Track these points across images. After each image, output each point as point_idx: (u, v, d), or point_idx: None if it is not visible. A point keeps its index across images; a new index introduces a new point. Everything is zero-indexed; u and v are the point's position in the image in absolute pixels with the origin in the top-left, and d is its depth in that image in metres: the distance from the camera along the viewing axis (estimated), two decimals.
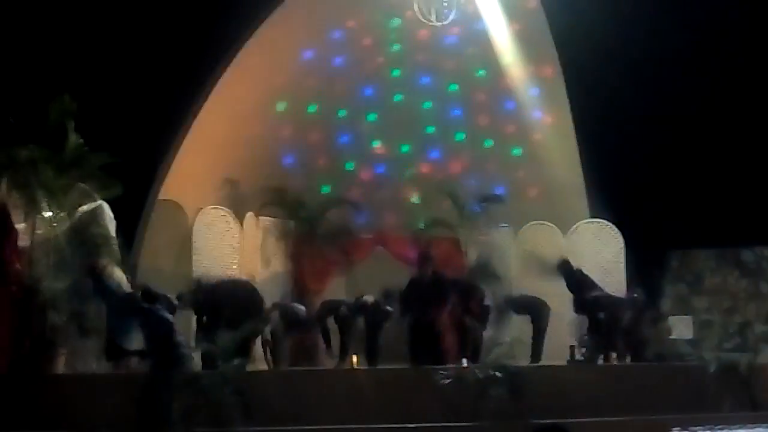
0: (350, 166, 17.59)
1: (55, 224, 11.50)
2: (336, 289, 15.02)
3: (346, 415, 10.25)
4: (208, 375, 10.01)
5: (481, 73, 17.74)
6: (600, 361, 12.97)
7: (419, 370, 12.40)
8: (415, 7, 16.49)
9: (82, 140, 11.58)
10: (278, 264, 15.22)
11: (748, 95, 17.30)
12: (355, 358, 12.84)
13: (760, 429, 8.53)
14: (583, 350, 13.09)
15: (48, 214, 11.47)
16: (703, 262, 17.59)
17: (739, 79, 17.45)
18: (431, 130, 17.78)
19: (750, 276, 17.53)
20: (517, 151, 17.60)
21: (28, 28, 14.87)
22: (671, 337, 14.04)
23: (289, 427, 9.68)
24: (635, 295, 13.98)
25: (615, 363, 13.07)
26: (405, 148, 17.65)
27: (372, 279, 14.23)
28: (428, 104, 17.73)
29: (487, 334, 13.50)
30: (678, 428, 8.66)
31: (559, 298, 14.16)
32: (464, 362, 12.37)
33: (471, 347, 12.97)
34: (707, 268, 17.59)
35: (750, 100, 17.25)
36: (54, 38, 15.40)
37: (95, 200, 11.91)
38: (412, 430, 10.00)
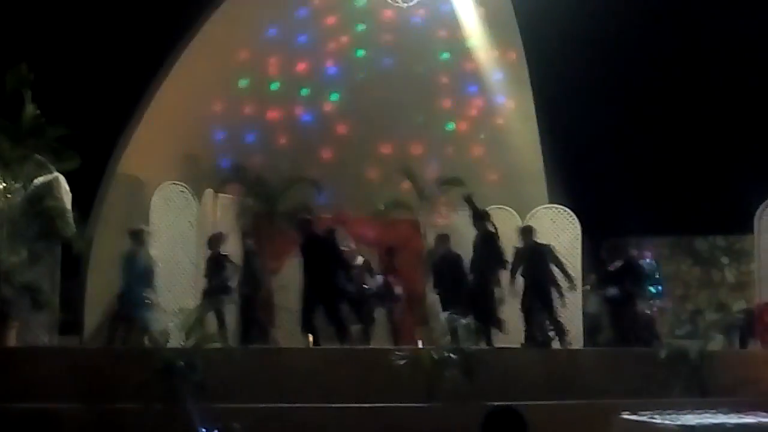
0: (311, 145, 17.51)
1: (9, 195, 11.31)
2: (293, 268, 15.00)
3: (302, 393, 10.26)
4: (162, 350, 9.97)
5: (445, 55, 17.75)
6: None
7: (375, 350, 12.48)
8: None
9: (38, 111, 11.38)
10: (236, 242, 15.14)
11: (706, 85, 17.54)
12: (311, 337, 12.87)
13: (708, 414, 8.67)
14: (539, 334, 13.18)
15: (2, 185, 11.29)
16: (657, 249, 17.84)
17: (698, 69, 17.68)
18: (393, 111, 17.75)
19: (702, 264, 17.82)
20: (478, 135, 17.63)
21: None
22: None
23: (244, 405, 9.67)
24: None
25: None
26: (366, 129, 17.62)
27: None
28: (391, 86, 17.68)
29: None
30: (627, 412, 8.76)
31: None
32: (419, 343, 12.44)
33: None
34: (661, 256, 17.84)
35: (708, 90, 17.49)
36: (11, 6, 15.14)
37: (51, 172, 11.74)
38: (367, 410, 10.04)
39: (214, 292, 13.31)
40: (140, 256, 12.41)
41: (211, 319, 13.08)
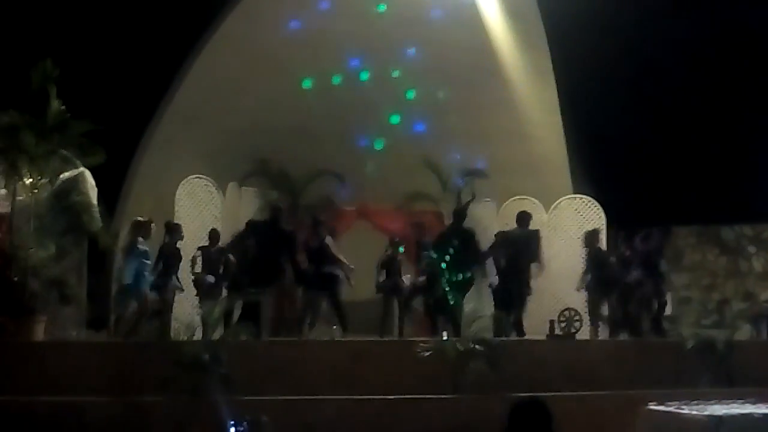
0: (334, 137, 17.50)
1: (35, 191, 11.40)
2: None
3: (328, 386, 10.28)
4: (187, 343, 10.02)
5: (468, 47, 17.66)
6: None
7: (400, 342, 12.48)
8: None
9: (64, 106, 11.46)
10: None
11: (732, 73, 17.38)
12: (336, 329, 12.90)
13: (736, 404, 8.62)
14: (563, 324, 13.14)
15: (29, 180, 11.38)
16: (684, 239, 17.73)
17: (723, 57, 17.51)
18: (416, 102, 17.72)
19: (729, 254, 17.69)
20: (501, 125, 17.56)
21: None
22: None
23: (270, 397, 9.71)
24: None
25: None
26: (394, 120, 17.64)
27: (354, 251, 14.26)
28: (414, 77, 17.65)
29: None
30: (655, 403, 8.72)
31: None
32: (444, 335, 12.41)
33: None
34: (687, 245, 17.73)
35: (734, 77, 17.32)
36: (37, 2, 15.25)
37: (77, 167, 11.82)
38: (392, 402, 10.05)
39: (199, 285, 13.34)
40: (138, 247, 12.43)
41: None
